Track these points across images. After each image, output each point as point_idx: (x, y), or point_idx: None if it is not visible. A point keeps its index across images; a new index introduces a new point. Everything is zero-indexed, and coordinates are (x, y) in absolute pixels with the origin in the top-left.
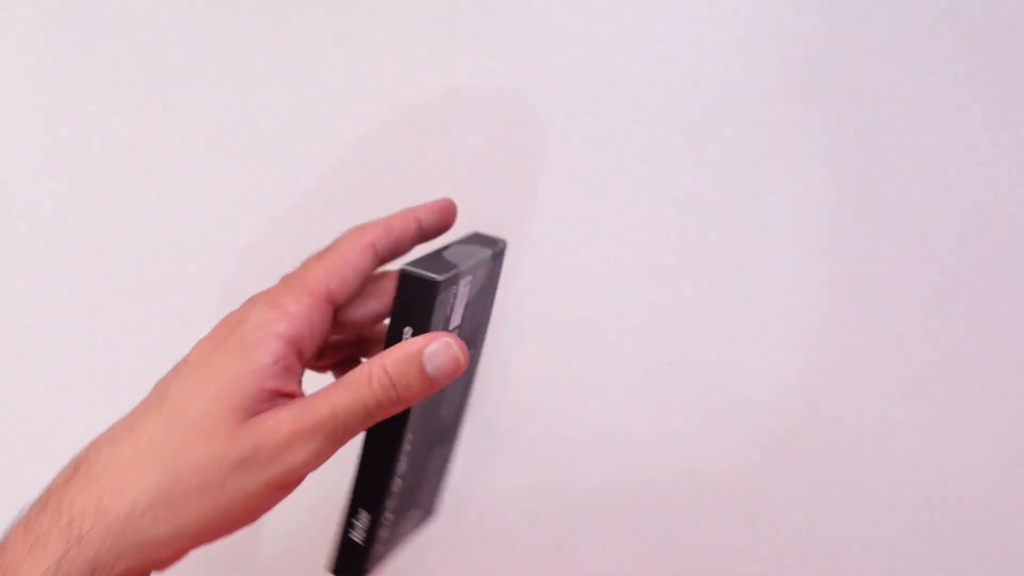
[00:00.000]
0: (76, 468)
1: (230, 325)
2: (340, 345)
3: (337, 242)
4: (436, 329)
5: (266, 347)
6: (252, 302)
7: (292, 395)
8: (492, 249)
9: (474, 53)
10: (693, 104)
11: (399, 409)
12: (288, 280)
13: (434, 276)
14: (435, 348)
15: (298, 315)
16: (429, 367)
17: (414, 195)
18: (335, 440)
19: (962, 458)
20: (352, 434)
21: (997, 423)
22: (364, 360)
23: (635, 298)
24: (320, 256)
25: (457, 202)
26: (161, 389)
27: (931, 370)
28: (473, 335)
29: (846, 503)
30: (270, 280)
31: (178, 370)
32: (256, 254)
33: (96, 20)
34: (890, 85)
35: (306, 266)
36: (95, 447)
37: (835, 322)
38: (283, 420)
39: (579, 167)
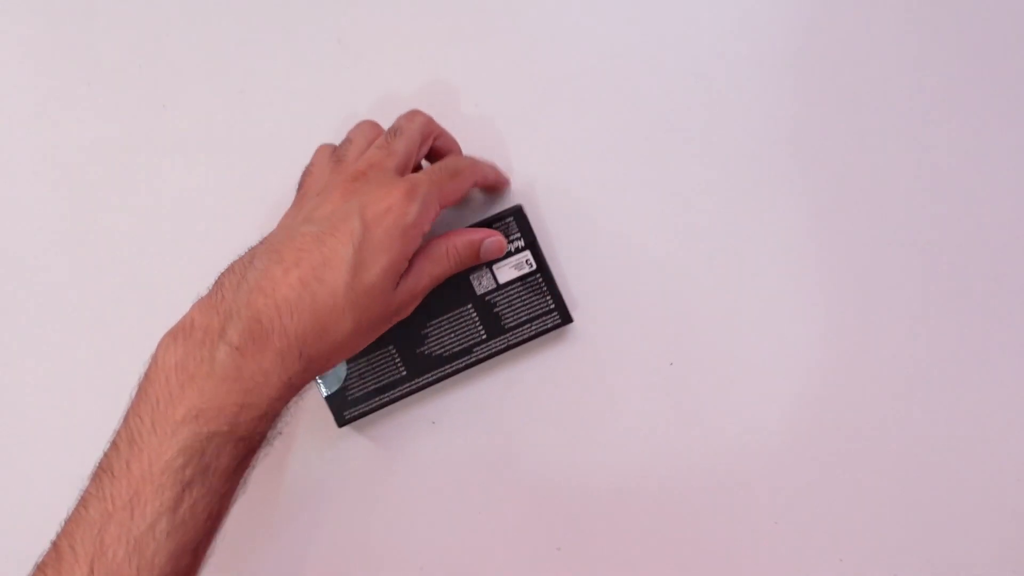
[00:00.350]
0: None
1: (397, 215)
2: None
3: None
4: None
5: (416, 241)
6: (412, 192)
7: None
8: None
9: (474, 52)
10: (695, 103)
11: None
12: (432, 185)
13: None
14: (491, 243)
15: (433, 218)
16: (482, 252)
17: None
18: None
19: (962, 458)
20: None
21: (997, 424)
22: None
23: (636, 298)
24: (452, 174)
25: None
26: (337, 247)
27: (932, 370)
28: None
29: (847, 503)
30: None
31: (359, 236)
32: None
33: (96, 20)
34: (891, 84)
35: (438, 181)
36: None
37: (836, 322)
38: (409, 287)
39: (580, 167)
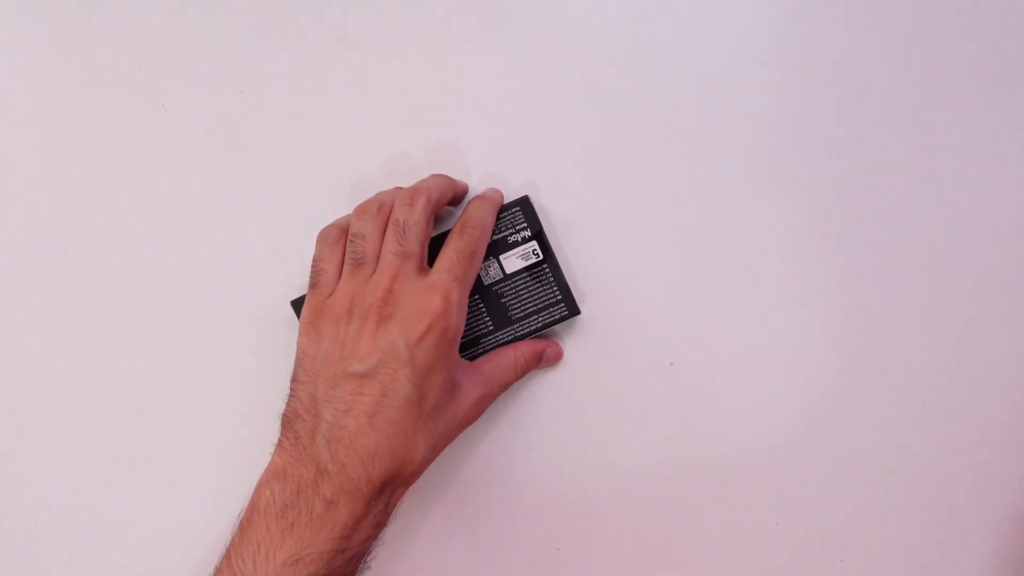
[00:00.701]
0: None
1: (439, 332)
2: None
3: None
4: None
5: (457, 343)
6: (446, 305)
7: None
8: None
9: (475, 53)
10: (698, 100)
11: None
12: (459, 284)
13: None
14: (551, 353)
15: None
16: (543, 362)
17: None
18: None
19: (963, 458)
20: None
21: (997, 424)
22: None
23: (636, 298)
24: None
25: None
26: (395, 384)
27: (932, 370)
28: None
29: (848, 504)
30: (268, 281)
31: (407, 367)
32: (255, 254)
33: (96, 20)
34: (891, 83)
35: (462, 276)
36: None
37: (838, 321)
38: (478, 397)
39: (580, 167)
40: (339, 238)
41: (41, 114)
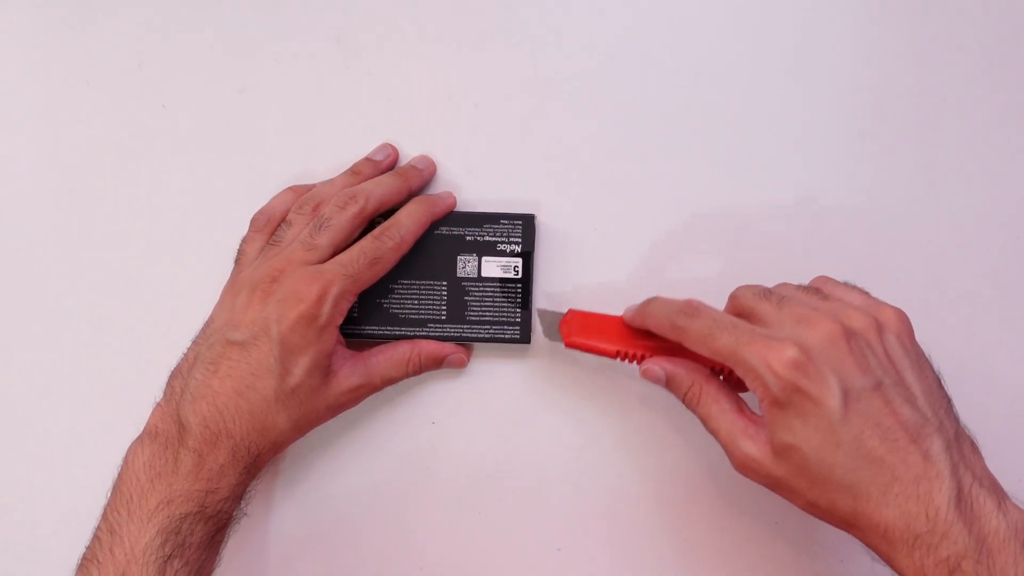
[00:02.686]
0: (211, 432)
1: (310, 318)
2: None
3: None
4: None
5: (332, 336)
6: (323, 294)
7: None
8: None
9: (474, 51)
10: (696, 103)
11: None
12: (346, 280)
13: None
14: (455, 358)
15: (347, 308)
16: (445, 364)
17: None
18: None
19: None
20: None
21: (998, 424)
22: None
23: (637, 299)
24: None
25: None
26: (261, 358)
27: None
28: None
29: None
30: None
31: (269, 343)
32: None
33: (96, 20)
34: (891, 83)
35: (354, 274)
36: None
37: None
38: (356, 383)
39: (579, 167)
40: (265, 225)
41: (41, 114)
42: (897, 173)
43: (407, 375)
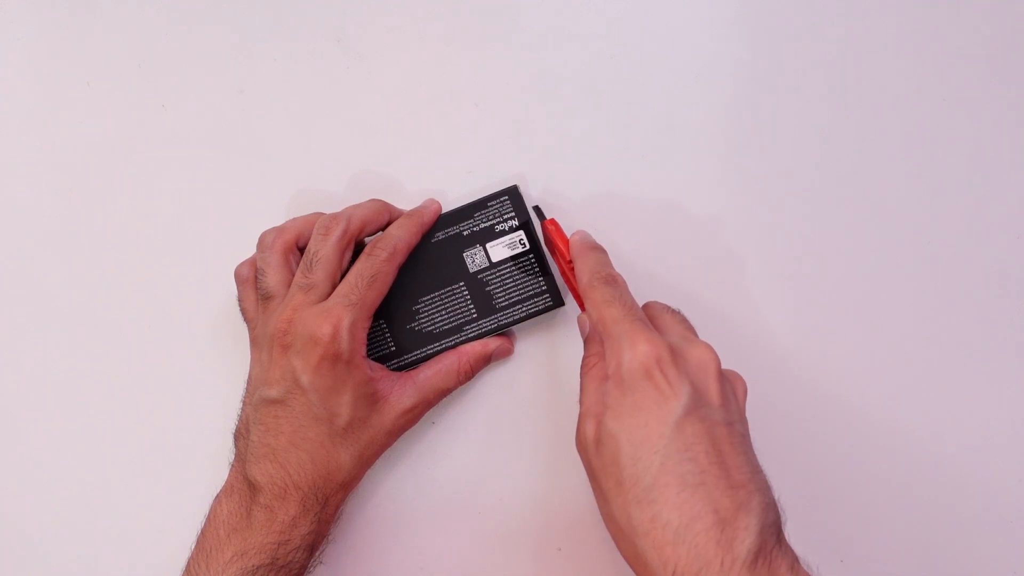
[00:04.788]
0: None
1: (332, 357)
2: None
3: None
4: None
5: (360, 360)
6: (336, 331)
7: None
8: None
9: (476, 52)
10: (696, 102)
11: None
12: (353, 308)
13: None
14: (500, 349)
15: (366, 327)
16: (493, 359)
17: (419, 197)
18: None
19: (963, 459)
20: None
21: (998, 424)
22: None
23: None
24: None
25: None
26: (304, 409)
27: (932, 371)
28: None
29: (848, 504)
30: None
31: (303, 395)
32: (252, 253)
33: (96, 20)
34: (891, 83)
35: (359, 301)
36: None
37: (836, 321)
38: (411, 403)
39: (579, 166)
40: (248, 274)
41: (41, 114)
42: (897, 173)
43: (460, 383)
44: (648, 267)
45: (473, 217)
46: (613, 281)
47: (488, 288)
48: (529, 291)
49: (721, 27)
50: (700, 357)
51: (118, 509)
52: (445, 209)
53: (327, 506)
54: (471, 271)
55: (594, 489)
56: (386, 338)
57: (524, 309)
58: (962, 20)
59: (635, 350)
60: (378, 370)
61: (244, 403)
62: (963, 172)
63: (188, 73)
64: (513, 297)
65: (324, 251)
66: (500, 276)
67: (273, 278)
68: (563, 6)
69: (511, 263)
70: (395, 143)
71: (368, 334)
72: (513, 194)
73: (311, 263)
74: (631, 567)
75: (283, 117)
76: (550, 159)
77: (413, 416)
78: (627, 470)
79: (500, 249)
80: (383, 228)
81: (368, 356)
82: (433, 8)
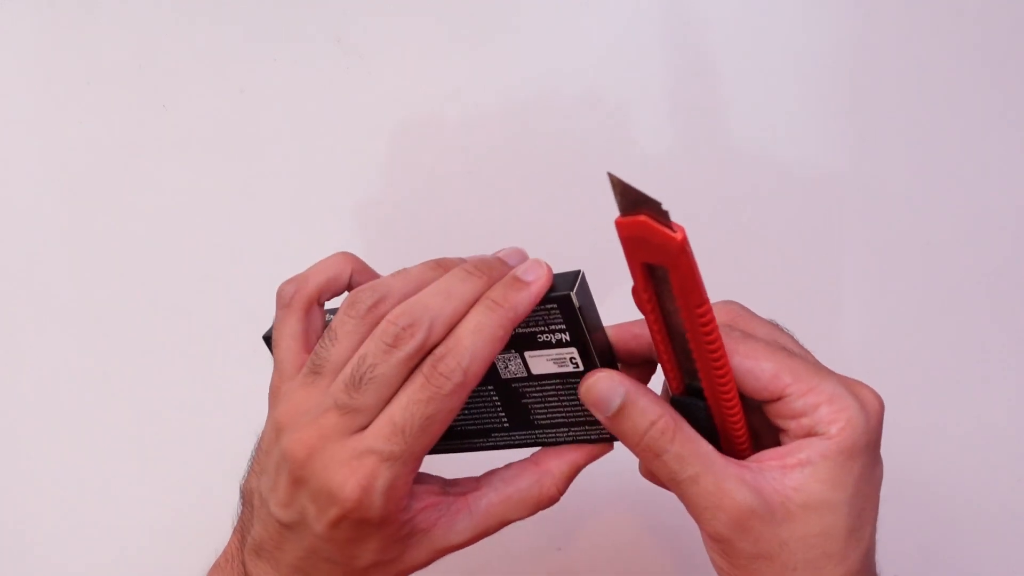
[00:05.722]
0: None
1: (356, 521)
2: None
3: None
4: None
5: (399, 520)
6: (367, 493)
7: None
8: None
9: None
10: (696, 103)
11: None
12: (395, 464)
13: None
14: (596, 455)
15: (410, 482)
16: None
17: (422, 201)
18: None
19: (963, 459)
20: None
21: (997, 424)
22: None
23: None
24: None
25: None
26: (314, 547)
27: (931, 371)
28: None
29: None
30: (268, 281)
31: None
32: (255, 253)
33: (96, 20)
34: (892, 82)
35: (402, 455)
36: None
37: (834, 324)
38: (457, 536)
39: (578, 167)
40: (294, 300)
41: (41, 114)
42: (897, 173)
43: (541, 509)
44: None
45: None
46: (748, 316)
47: (525, 400)
48: (578, 417)
49: (722, 26)
50: (880, 407)
51: (117, 508)
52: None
53: None
54: (503, 378)
55: (759, 568)
56: None
57: (570, 435)
58: (962, 20)
59: (867, 408)
60: (424, 497)
61: (255, 459)
62: (963, 172)
63: (188, 73)
64: (556, 418)
65: (384, 370)
66: (542, 391)
67: (339, 355)
68: (563, 6)
69: (557, 380)
70: (395, 143)
71: None
72: (564, 305)
73: (362, 379)
74: None
75: (283, 117)
76: (550, 159)
77: (463, 545)
78: (841, 543)
79: (544, 363)
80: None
81: None
82: (433, 8)
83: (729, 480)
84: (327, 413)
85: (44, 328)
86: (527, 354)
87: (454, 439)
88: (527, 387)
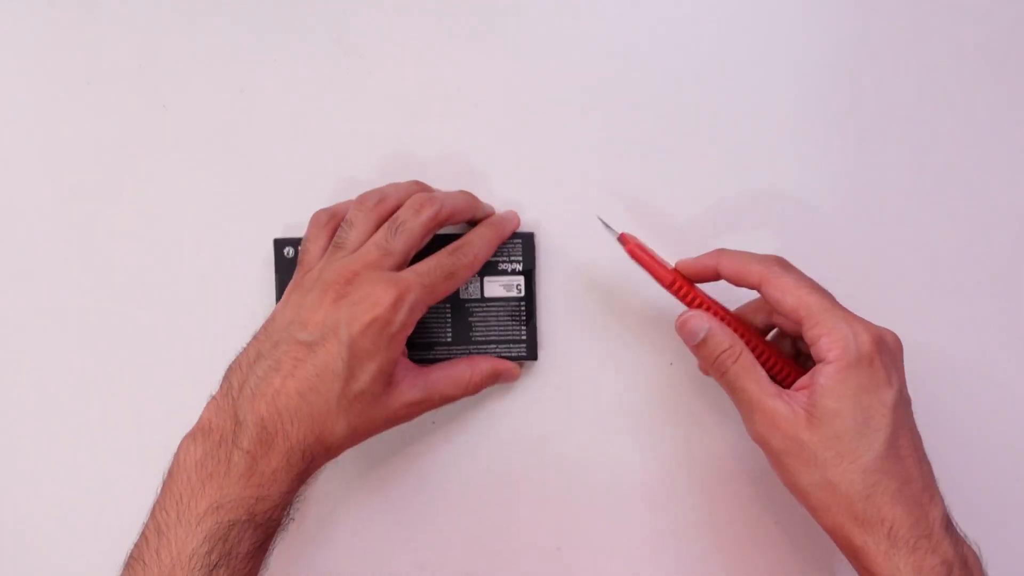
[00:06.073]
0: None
1: (383, 323)
2: None
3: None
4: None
5: (400, 344)
6: (399, 301)
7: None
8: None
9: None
10: (697, 105)
11: None
12: (423, 290)
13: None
14: (508, 371)
15: (418, 319)
16: (499, 380)
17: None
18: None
19: (962, 459)
20: None
21: (997, 424)
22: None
23: (634, 301)
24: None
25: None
26: (328, 360)
27: (931, 371)
28: None
29: None
30: (268, 280)
31: (340, 346)
32: (255, 253)
33: (96, 20)
34: (892, 82)
35: (431, 285)
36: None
37: None
38: (416, 400)
39: (578, 166)
40: (328, 222)
41: (41, 114)
42: (896, 173)
43: (466, 394)
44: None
45: None
46: (786, 264)
47: (471, 318)
48: (508, 335)
49: (722, 28)
50: (892, 341)
51: (118, 508)
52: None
53: (309, 467)
54: (460, 297)
55: (795, 461)
56: None
57: (496, 350)
58: (962, 20)
59: (857, 335)
60: (403, 356)
61: (256, 338)
62: (962, 172)
63: (188, 73)
64: (491, 336)
65: (412, 224)
66: (486, 312)
67: (359, 234)
68: (563, 6)
69: (500, 303)
70: (395, 143)
71: None
72: (527, 241)
73: (396, 230)
74: (832, 530)
75: (283, 117)
76: (550, 159)
77: (414, 411)
78: (851, 444)
79: (495, 287)
80: (466, 222)
81: None
82: (433, 8)
83: (767, 395)
84: (369, 253)
85: (44, 328)
86: (486, 279)
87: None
88: (476, 307)
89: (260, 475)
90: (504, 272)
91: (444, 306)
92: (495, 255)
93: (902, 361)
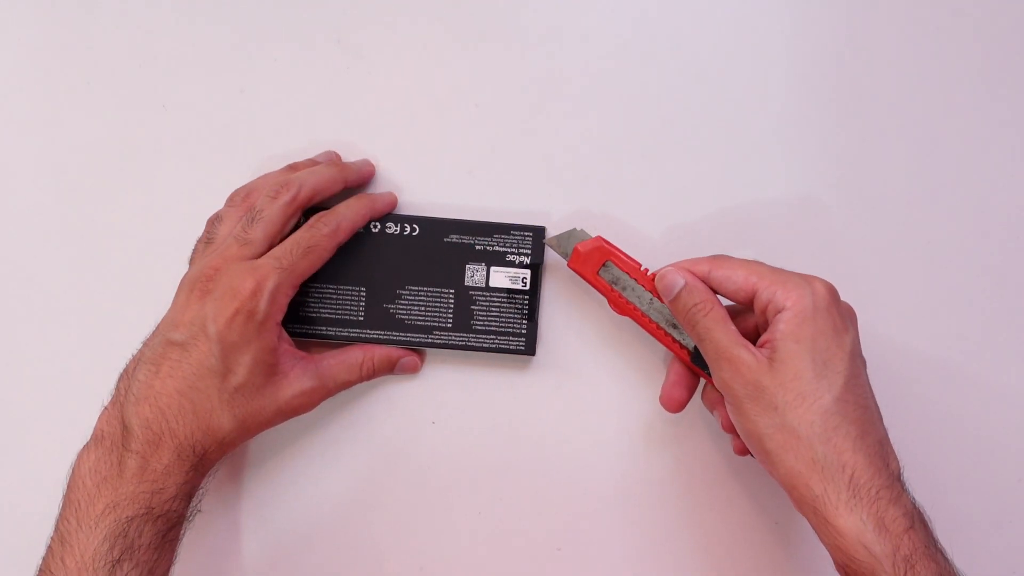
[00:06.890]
0: (157, 434)
1: (247, 314)
2: None
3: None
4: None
5: (273, 330)
6: (258, 289)
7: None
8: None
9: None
10: (697, 104)
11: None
12: (281, 273)
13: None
14: (407, 362)
15: (288, 299)
16: (397, 369)
17: (420, 194)
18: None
19: (962, 459)
20: None
21: (997, 424)
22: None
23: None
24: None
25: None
26: (202, 357)
27: (931, 370)
28: None
29: None
30: None
31: (211, 342)
32: None
33: (96, 20)
34: (892, 82)
35: (289, 266)
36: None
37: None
38: (309, 388)
39: (578, 167)
40: (243, 200)
41: (41, 114)
42: (896, 173)
43: (360, 379)
44: (649, 265)
45: (492, 236)
46: (725, 255)
47: (473, 307)
48: (508, 327)
49: (722, 28)
50: (847, 306)
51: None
52: (463, 213)
53: (204, 460)
54: (466, 284)
55: (751, 409)
56: (359, 306)
57: (495, 341)
58: (961, 20)
59: (814, 289)
60: (286, 344)
61: (144, 343)
62: (962, 172)
63: (188, 73)
64: (491, 326)
65: (269, 212)
66: (489, 301)
67: (226, 228)
68: (563, 6)
69: (505, 294)
70: (395, 143)
71: (344, 293)
72: (537, 235)
73: (253, 219)
74: (789, 479)
75: (283, 117)
76: (550, 159)
77: (309, 400)
78: (811, 384)
79: (501, 277)
80: (336, 196)
81: (334, 317)
82: (433, 8)
83: (733, 344)
84: (229, 247)
85: (44, 327)
86: (493, 268)
87: (401, 330)
88: (480, 296)
89: (153, 471)
90: (512, 264)
91: (447, 291)
92: (503, 246)
93: (856, 323)
